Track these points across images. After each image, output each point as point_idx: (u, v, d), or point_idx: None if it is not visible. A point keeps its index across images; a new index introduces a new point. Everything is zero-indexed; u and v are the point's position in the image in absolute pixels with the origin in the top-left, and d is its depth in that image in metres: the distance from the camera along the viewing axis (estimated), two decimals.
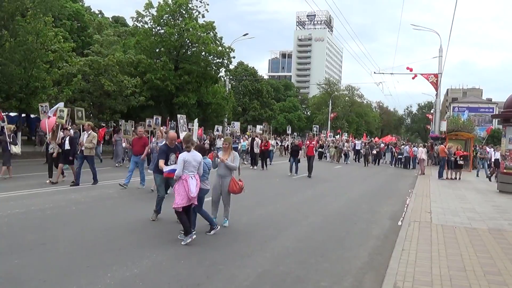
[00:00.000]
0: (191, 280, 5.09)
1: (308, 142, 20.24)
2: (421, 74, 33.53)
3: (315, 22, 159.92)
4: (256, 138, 22.27)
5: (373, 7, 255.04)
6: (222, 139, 21.30)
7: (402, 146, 32.07)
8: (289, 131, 35.72)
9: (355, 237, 7.77)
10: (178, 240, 6.71)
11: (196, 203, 6.87)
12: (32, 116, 30.45)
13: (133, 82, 26.44)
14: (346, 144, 32.38)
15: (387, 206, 11.71)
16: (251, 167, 21.28)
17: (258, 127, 28.85)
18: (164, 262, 5.65)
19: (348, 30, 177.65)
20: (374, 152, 30.84)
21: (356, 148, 32.91)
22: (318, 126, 32.62)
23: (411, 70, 33.67)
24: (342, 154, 30.77)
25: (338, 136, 41.04)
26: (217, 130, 28.20)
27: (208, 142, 23.58)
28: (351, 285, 5.28)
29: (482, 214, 10.19)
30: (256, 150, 21.58)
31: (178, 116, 21.16)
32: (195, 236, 6.61)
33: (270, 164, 23.65)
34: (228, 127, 29.47)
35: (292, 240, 7.24)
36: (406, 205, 11.49)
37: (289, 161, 19.30)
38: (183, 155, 6.82)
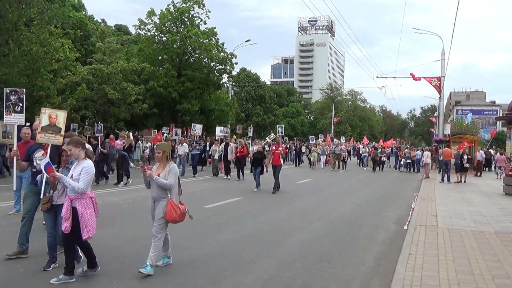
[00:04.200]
0: (196, 287, 5.07)
1: (273, 148, 15.37)
2: (424, 78, 33.44)
3: (317, 27, 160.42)
4: (230, 143, 19.12)
5: (374, 11, 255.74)
6: (184, 144, 19.20)
7: (406, 150, 31.85)
8: (250, 133, 28.03)
9: (360, 242, 7.72)
10: (183, 247, 6.66)
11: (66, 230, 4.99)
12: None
13: (137, 90, 26.57)
14: (362, 149, 31.40)
15: (392, 210, 11.65)
16: (225, 177, 18.27)
17: (218, 129, 23.03)
18: (169, 269, 5.63)
19: (350, 35, 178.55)
20: (383, 158, 29.51)
21: (360, 152, 32.66)
22: (283, 126, 25.81)
23: (414, 77, 33.49)
24: (347, 159, 30.14)
25: (339, 140, 40.36)
26: (176, 134, 22.76)
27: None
28: None
29: (488, 217, 10.12)
30: (230, 157, 18.46)
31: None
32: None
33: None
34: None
35: (298, 246, 7.20)
36: (411, 209, 11.43)
37: (251, 172, 15.73)
38: (88, 163, 5.13)
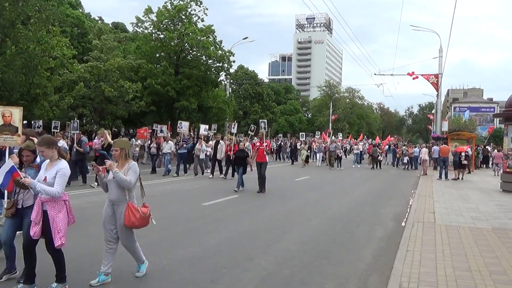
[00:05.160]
0: (194, 285, 5.08)
1: (258, 144, 14.48)
2: (422, 75, 33.42)
3: (315, 24, 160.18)
4: (221, 141, 18.22)
5: (372, 8, 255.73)
6: (170, 142, 18.91)
7: (404, 147, 31.84)
8: (234, 130, 21.40)
9: (358, 239, 7.74)
10: (182, 245, 6.66)
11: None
12: (33, 123, 30.55)
13: (134, 87, 26.49)
14: (354, 146, 30.93)
15: (390, 207, 11.67)
16: (211, 176, 17.39)
17: (202, 127, 22.04)
18: (167, 267, 5.63)
19: (348, 32, 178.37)
20: (380, 158, 29.29)
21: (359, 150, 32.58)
22: (266, 121, 21.90)
23: (411, 74, 33.35)
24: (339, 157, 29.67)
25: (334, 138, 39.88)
26: (161, 131, 21.32)
27: (155, 146, 19.57)
28: (355, 287, 5.25)
29: (486, 214, 10.15)
30: (219, 156, 17.69)
31: None
32: None
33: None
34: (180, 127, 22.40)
35: (296, 243, 7.20)
36: (409, 206, 11.45)
37: (234, 170, 14.94)
38: (63, 164, 4.66)
